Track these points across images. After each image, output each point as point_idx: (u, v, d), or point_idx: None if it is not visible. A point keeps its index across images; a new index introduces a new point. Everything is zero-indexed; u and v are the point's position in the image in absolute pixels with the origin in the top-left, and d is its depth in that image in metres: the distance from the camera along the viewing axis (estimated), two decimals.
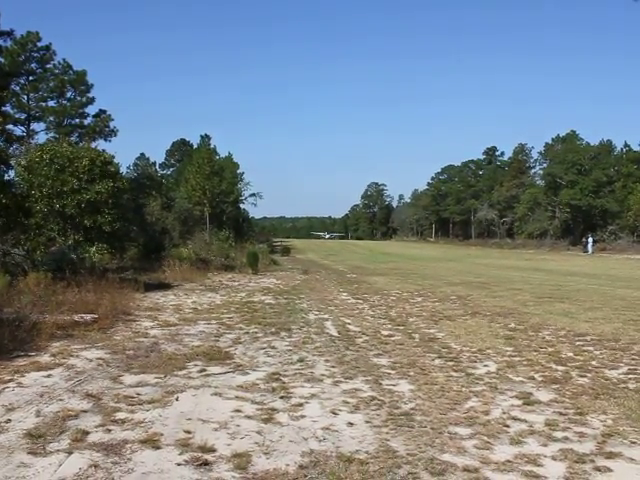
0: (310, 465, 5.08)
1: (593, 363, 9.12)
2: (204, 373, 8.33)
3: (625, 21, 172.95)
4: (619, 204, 66.62)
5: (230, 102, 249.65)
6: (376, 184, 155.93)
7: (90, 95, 37.65)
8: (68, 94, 37.41)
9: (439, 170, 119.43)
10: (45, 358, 9.00)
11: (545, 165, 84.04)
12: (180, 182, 56.63)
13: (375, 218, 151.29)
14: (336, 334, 11.74)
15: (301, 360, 9.27)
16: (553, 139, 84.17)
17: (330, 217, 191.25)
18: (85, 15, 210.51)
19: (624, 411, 6.61)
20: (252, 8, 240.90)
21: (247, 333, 11.72)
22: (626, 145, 77.65)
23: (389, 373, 8.46)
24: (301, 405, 6.82)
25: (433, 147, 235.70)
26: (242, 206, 67.38)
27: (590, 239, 59.38)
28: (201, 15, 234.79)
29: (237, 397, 7.12)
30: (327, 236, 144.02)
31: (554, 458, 5.31)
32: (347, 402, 6.96)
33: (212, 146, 60.84)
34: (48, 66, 36.75)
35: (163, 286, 20.52)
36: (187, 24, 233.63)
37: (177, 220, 40.26)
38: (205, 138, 66.27)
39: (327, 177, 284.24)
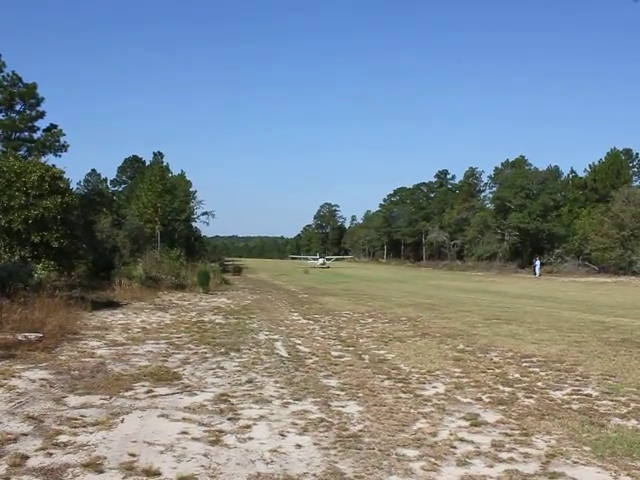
0: None
1: (539, 384, 9.28)
2: (151, 394, 8.19)
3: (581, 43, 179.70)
4: (565, 228, 68.28)
5: (184, 121, 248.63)
6: (329, 205, 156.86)
7: (40, 109, 36.87)
8: (17, 107, 36.57)
9: (391, 192, 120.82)
10: None
11: (495, 189, 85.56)
12: (131, 199, 55.96)
13: (327, 238, 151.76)
14: (286, 355, 11.70)
15: (250, 381, 9.20)
16: (503, 164, 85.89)
17: (282, 237, 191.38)
18: (38, 35, 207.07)
19: (567, 431, 6.74)
20: (206, 27, 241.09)
21: (196, 353, 11.59)
22: (572, 171, 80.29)
23: (338, 394, 8.45)
24: (249, 427, 6.76)
25: (386, 169, 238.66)
26: (194, 224, 67.12)
27: (538, 262, 60.54)
28: (153, 35, 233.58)
29: (184, 419, 7.02)
30: (320, 261, 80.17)
31: (499, 479, 5.37)
32: (296, 424, 6.92)
33: (164, 164, 60.40)
34: None
35: (112, 305, 20.17)
36: (139, 44, 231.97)
37: (128, 238, 39.59)
38: (157, 155, 65.80)
39: (280, 197, 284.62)
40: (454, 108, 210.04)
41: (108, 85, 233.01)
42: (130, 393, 8.21)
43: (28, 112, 36.81)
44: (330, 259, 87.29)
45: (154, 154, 66.99)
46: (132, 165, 78.39)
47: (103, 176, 72.98)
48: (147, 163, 69.15)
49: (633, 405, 7.96)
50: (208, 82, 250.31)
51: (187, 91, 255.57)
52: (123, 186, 77.04)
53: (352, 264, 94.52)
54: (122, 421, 6.84)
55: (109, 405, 7.53)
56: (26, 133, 37.15)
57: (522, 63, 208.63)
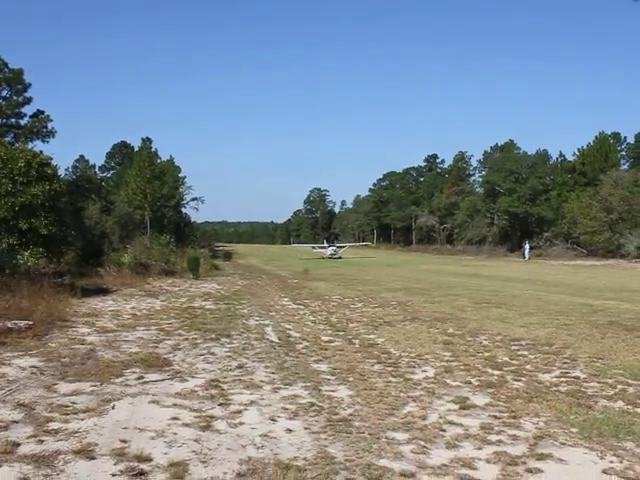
0: (248, 473, 5.06)
1: (527, 367, 9.35)
2: (142, 380, 8.20)
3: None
4: (554, 212, 68.42)
5: (172, 106, 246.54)
6: (319, 190, 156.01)
7: (27, 95, 36.51)
8: (3, 93, 36.21)
9: (381, 176, 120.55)
10: None
11: (484, 173, 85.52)
12: (120, 185, 55.72)
13: (317, 224, 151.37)
14: (276, 340, 11.74)
15: (240, 366, 9.23)
16: (492, 147, 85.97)
17: (272, 222, 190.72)
18: (25, 22, 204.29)
19: (555, 414, 6.80)
20: (196, 12, 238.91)
21: (186, 339, 11.61)
22: (561, 155, 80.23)
23: (328, 379, 8.49)
24: (240, 412, 6.79)
25: (375, 154, 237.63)
26: (184, 210, 66.81)
27: (527, 245, 60.80)
28: (141, 21, 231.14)
29: (175, 405, 7.04)
30: (329, 251, 61.75)
31: (488, 461, 5.42)
32: (286, 408, 6.96)
33: (153, 149, 59.88)
34: None
35: (101, 291, 20.12)
36: (126, 30, 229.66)
37: (117, 224, 39.49)
38: (146, 141, 65.17)
39: (270, 182, 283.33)
40: (443, 92, 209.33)
41: (96, 71, 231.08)
42: (121, 379, 8.22)
43: (15, 98, 36.44)
44: (342, 247, 69.25)
45: (143, 140, 66.37)
46: (121, 151, 77.86)
47: (91, 162, 72.30)
48: (136, 149, 68.63)
49: (620, 387, 8.05)
50: (196, 68, 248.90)
51: (175, 77, 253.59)
52: (112, 172, 76.50)
53: (370, 252, 74.99)
54: (113, 407, 6.85)
55: (100, 392, 7.54)
56: (13, 119, 36.81)
57: (512, 47, 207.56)
